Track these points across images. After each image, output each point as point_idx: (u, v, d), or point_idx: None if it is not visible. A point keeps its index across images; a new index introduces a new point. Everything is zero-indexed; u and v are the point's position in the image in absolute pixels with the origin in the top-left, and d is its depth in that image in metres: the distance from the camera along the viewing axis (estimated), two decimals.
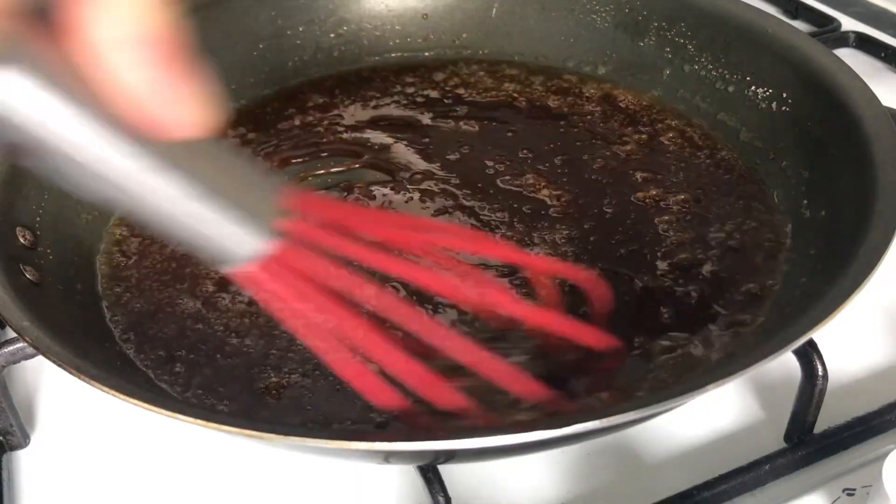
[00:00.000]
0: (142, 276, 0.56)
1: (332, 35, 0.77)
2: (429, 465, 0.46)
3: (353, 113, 0.72)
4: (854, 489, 0.46)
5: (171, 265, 0.56)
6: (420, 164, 0.65)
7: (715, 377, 0.38)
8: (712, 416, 0.50)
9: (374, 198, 0.62)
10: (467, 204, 0.61)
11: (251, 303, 0.53)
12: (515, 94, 0.73)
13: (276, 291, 0.36)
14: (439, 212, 0.60)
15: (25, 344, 0.41)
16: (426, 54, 0.78)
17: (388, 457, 0.44)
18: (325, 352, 0.38)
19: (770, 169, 0.61)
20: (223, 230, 0.34)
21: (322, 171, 0.65)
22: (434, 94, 0.74)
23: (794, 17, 0.93)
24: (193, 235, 0.34)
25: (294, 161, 0.67)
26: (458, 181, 0.63)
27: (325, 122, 0.71)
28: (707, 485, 0.46)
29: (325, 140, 0.69)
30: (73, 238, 0.56)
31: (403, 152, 0.67)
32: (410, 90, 0.74)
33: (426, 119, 0.71)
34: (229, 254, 0.35)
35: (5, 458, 0.49)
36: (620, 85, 0.73)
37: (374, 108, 0.72)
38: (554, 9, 0.77)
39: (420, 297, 0.50)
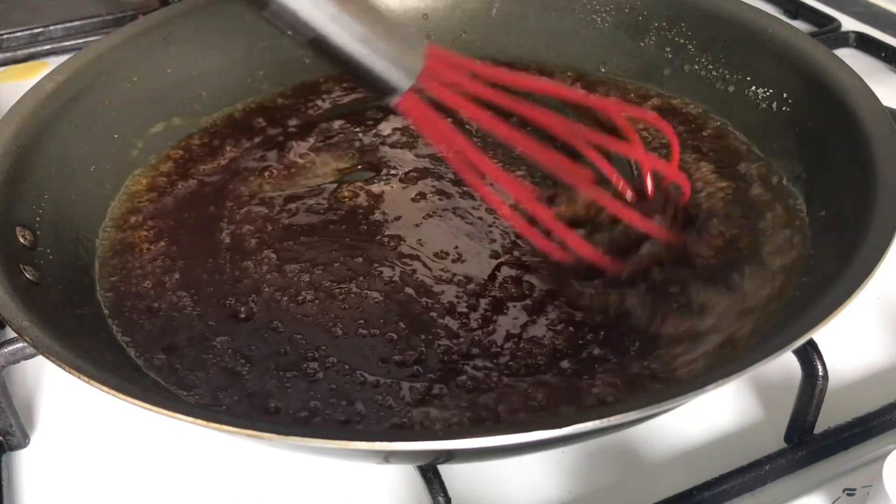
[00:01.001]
0: (141, 276, 0.55)
1: None
2: (429, 465, 0.46)
3: (353, 112, 0.72)
4: (854, 489, 0.46)
5: (170, 265, 0.56)
6: (418, 162, 0.65)
7: (715, 377, 0.38)
8: (712, 416, 0.50)
9: (363, 196, 0.62)
10: (462, 203, 0.61)
11: (249, 303, 0.53)
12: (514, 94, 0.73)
13: (424, 119, 0.49)
14: (430, 215, 0.60)
15: (25, 344, 0.41)
16: None
17: (388, 457, 0.44)
18: (464, 173, 0.52)
19: (769, 169, 0.61)
20: (383, 64, 0.47)
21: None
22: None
23: (795, 17, 0.94)
24: (365, 68, 0.47)
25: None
26: (453, 177, 0.63)
27: (323, 122, 0.71)
28: (707, 485, 0.46)
29: (324, 140, 0.69)
30: (73, 238, 0.56)
31: (402, 151, 0.67)
32: None
33: None
34: (387, 85, 0.48)
35: (5, 458, 0.49)
36: (620, 85, 0.73)
37: (374, 107, 0.72)
38: (554, 9, 0.77)
39: None
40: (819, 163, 0.57)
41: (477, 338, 0.50)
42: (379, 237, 0.58)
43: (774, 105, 0.63)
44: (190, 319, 0.52)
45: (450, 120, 0.51)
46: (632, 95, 0.71)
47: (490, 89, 0.50)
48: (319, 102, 0.73)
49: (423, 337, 0.51)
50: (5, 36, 0.92)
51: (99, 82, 0.64)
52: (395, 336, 0.51)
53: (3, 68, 0.89)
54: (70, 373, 0.39)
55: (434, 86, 0.48)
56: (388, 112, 0.71)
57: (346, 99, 0.73)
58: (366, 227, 0.59)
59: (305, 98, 0.74)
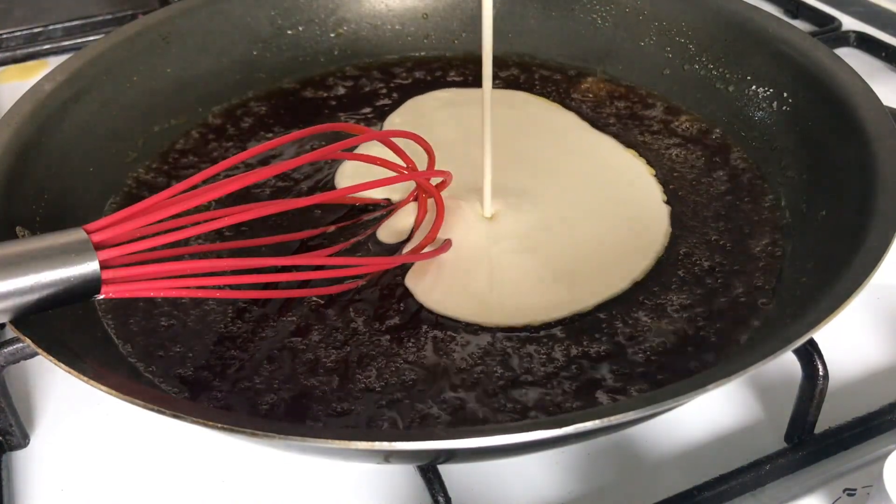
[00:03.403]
0: None
1: (332, 35, 0.77)
2: (429, 465, 0.46)
3: (353, 112, 0.72)
4: (854, 489, 0.46)
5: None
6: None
7: (715, 377, 0.38)
8: (712, 416, 0.50)
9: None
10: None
11: (245, 303, 0.53)
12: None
13: (142, 284, 0.43)
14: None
15: (25, 344, 0.41)
16: (426, 54, 0.78)
17: (388, 457, 0.44)
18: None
19: (770, 168, 0.61)
20: (58, 274, 0.40)
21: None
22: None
23: (795, 17, 0.94)
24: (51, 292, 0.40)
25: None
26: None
27: (325, 122, 0.70)
28: (707, 485, 0.46)
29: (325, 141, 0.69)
30: None
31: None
32: (409, 89, 0.74)
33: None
34: (78, 281, 0.41)
35: (5, 458, 0.49)
36: (620, 84, 0.73)
37: (373, 108, 0.72)
38: (554, 8, 0.77)
39: None
40: (819, 163, 0.57)
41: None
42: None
43: (775, 105, 0.63)
44: (188, 319, 0.52)
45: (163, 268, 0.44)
46: (631, 95, 0.71)
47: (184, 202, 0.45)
48: (321, 103, 0.73)
49: None
50: (5, 35, 0.92)
51: (99, 82, 0.64)
52: None
53: (3, 68, 0.89)
54: (70, 373, 0.39)
55: (121, 249, 0.42)
56: (387, 113, 0.72)
57: (349, 99, 0.73)
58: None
59: (307, 99, 0.74)
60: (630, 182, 0.62)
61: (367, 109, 0.72)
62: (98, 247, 0.41)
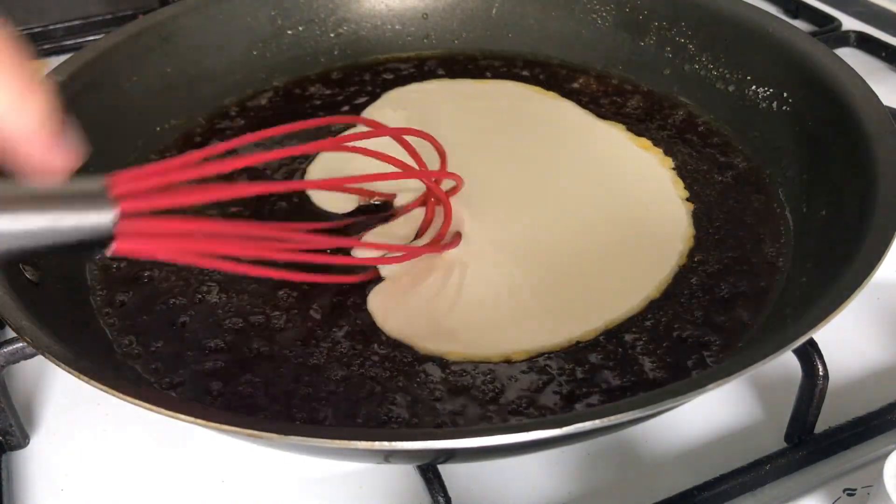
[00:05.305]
0: (139, 276, 0.55)
1: (331, 34, 0.77)
2: (429, 465, 0.46)
3: (352, 112, 0.72)
4: (854, 489, 0.46)
5: (166, 266, 0.56)
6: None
7: (715, 377, 0.38)
8: (712, 416, 0.50)
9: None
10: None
11: (242, 302, 0.53)
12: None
13: (156, 243, 0.41)
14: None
15: (25, 344, 0.41)
16: (426, 54, 0.78)
17: (388, 456, 0.44)
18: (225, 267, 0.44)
19: (770, 168, 0.61)
20: (73, 220, 0.38)
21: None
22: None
23: (795, 17, 0.94)
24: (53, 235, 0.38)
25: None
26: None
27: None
28: (707, 485, 0.46)
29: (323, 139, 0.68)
30: None
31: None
32: (409, 88, 0.74)
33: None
34: (94, 233, 0.39)
35: (5, 458, 0.49)
36: (620, 84, 0.73)
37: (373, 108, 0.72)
38: (554, 8, 0.77)
39: None
40: (819, 163, 0.57)
41: None
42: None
43: (775, 105, 0.63)
44: (186, 321, 0.52)
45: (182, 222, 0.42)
46: (630, 94, 0.71)
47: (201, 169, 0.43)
48: (321, 103, 0.73)
49: None
50: None
51: (99, 82, 0.64)
52: None
53: None
54: (70, 372, 0.39)
55: (140, 203, 0.40)
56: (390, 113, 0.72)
57: (349, 99, 0.73)
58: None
59: (307, 99, 0.74)
60: (644, 176, 0.59)
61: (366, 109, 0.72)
62: (116, 199, 0.40)
